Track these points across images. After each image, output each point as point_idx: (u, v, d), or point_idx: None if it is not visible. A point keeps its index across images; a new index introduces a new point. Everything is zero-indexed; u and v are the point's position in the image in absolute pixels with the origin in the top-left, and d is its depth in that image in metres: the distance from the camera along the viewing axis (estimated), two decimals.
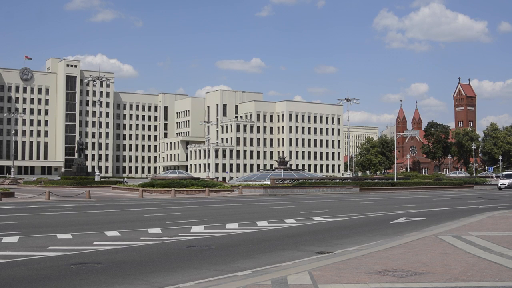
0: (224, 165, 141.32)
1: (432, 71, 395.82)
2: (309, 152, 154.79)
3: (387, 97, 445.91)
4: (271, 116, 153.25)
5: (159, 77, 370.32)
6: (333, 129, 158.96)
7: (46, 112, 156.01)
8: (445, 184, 74.26)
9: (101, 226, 20.11)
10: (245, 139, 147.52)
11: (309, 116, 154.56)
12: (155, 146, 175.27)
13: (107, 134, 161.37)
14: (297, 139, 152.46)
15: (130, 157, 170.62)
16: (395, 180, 73.39)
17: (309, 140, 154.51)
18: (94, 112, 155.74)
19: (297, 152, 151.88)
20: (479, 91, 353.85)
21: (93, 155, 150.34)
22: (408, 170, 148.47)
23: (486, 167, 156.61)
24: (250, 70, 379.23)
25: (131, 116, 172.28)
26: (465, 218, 22.01)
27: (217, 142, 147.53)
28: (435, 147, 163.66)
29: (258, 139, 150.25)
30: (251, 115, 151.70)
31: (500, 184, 68.79)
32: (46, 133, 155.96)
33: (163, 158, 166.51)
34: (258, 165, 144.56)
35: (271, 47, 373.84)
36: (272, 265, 11.49)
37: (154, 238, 16.18)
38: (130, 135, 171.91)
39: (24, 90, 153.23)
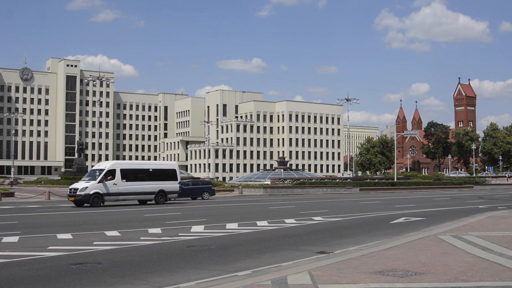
0: (224, 165, 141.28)
1: (433, 71, 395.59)
2: (309, 152, 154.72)
3: (388, 97, 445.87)
4: (271, 116, 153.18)
5: (159, 77, 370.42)
6: (333, 129, 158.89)
7: (46, 112, 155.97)
8: (445, 184, 74.23)
9: (101, 226, 20.12)
10: (245, 139, 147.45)
11: (309, 116, 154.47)
12: (155, 146, 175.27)
13: (107, 134, 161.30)
14: (297, 139, 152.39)
15: (130, 157, 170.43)
16: (395, 180, 73.38)
17: (309, 140, 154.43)
18: (94, 112, 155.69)
19: (297, 152, 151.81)
20: (480, 91, 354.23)
21: (93, 155, 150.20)
22: (408, 170, 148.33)
23: (486, 167, 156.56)
24: (251, 70, 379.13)
25: (131, 116, 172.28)
26: (465, 218, 22.00)
27: (217, 142, 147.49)
28: (435, 147, 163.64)
29: (258, 139, 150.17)
30: (251, 115, 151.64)
31: None
32: (46, 133, 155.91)
33: (163, 158, 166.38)
34: (258, 165, 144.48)
35: (271, 47, 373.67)
36: (272, 265, 11.48)
37: (154, 238, 16.18)
38: (130, 135, 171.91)
39: (24, 90, 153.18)
